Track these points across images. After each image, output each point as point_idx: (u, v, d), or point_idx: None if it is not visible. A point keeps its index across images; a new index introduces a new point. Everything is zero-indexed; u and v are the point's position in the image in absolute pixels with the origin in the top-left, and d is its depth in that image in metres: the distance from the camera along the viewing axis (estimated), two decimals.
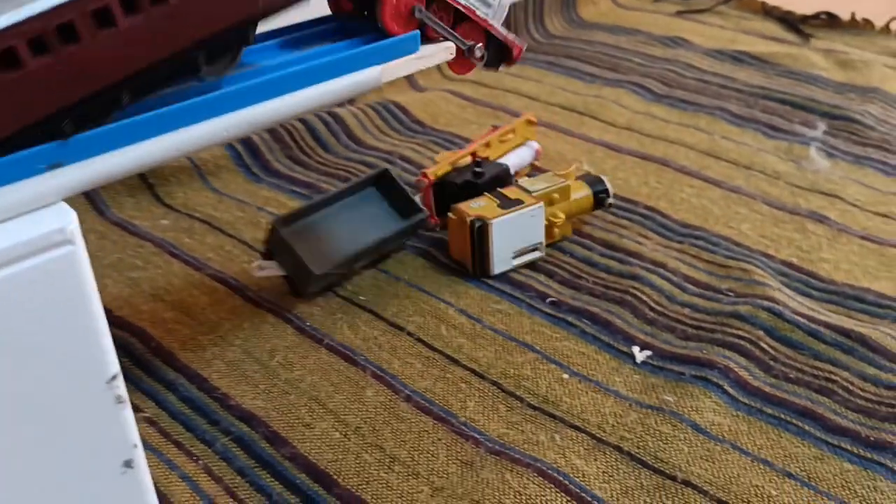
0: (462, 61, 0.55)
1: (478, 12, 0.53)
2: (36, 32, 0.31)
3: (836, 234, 0.73)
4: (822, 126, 0.93)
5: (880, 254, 0.70)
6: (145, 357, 0.59)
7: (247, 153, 0.85)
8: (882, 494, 0.48)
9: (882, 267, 0.69)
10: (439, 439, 0.52)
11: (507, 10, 0.57)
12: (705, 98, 1.00)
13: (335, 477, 0.49)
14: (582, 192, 0.71)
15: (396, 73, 0.44)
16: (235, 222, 0.75)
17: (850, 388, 0.55)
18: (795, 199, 0.79)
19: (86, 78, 0.33)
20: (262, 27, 0.41)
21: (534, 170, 0.83)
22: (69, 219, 0.31)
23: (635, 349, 0.59)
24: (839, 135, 0.91)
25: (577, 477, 0.49)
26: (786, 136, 0.91)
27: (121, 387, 0.34)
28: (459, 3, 0.51)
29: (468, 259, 0.67)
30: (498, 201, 0.66)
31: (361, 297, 0.65)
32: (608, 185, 0.72)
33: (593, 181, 0.72)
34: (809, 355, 0.58)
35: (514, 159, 0.80)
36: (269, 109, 0.39)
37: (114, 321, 0.62)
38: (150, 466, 0.49)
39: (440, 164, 0.73)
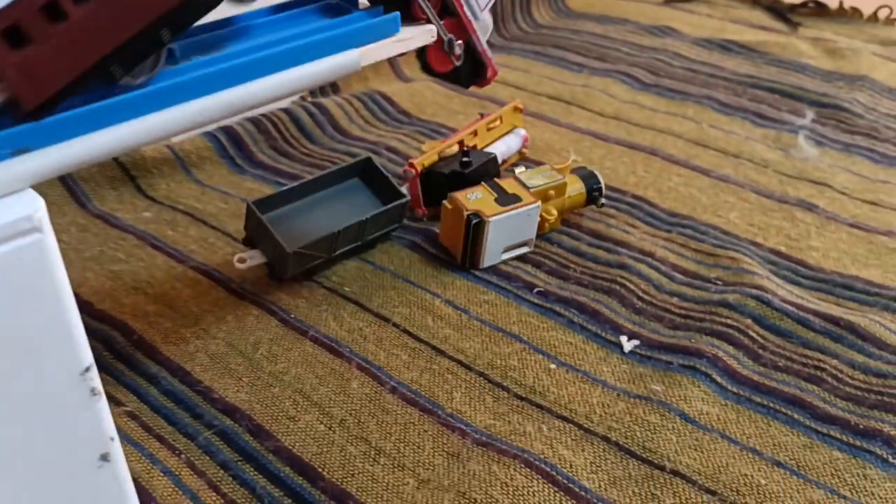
0: (441, 56, 0.54)
1: (467, 11, 0.53)
2: None
3: (825, 222, 0.73)
4: (810, 114, 0.93)
5: (869, 241, 0.70)
6: (127, 350, 0.58)
7: (230, 144, 0.84)
8: (872, 482, 0.48)
9: (871, 254, 0.68)
10: (425, 431, 0.51)
11: (489, 31, 0.58)
12: (693, 87, 1.00)
13: (320, 470, 0.49)
14: (576, 188, 0.71)
15: (376, 55, 0.43)
16: (219, 214, 0.74)
17: (840, 376, 0.55)
18: (784, 187, 0.78)
19: (127, 19, 0.34)
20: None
21: (522, 158, 0.82)
22: (37, 206, 0.30)
23: (623, 339, 0.59)
24: (827, 123, 0.91)
25: (565, 468, 0.49)
26: (774, 125, 0.90)
27: (95, 379, 0.34)
28: None
29: (458, 249, 0.66)
30: (495, 195, 0.66)
31: (346, 289, 0.64)
32: (602, 183, 0.71)
33: (587, 177, 0.72)
34: (798, 343, 0.58)
35: (502, 147, 0.79)
36: (242, 94, 0.38)
37: (95, 314, 0.61)
38: (131, 461, 0.49)
39: (427, 153, 0.72)
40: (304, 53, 0.40)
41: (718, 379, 0.55)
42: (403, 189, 0.70)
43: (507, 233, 0.65)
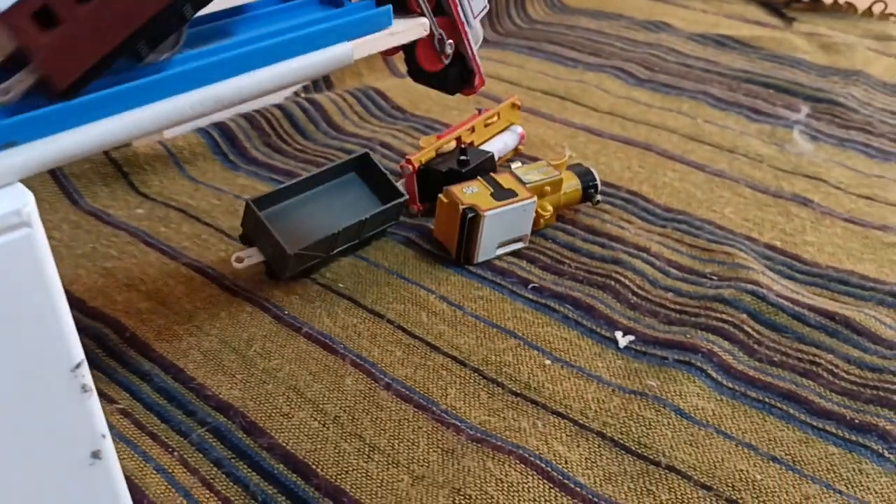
0: (431, 54, 0.54)
1: (460, 12, 0.53)
2: None
3: (820, 216, 0.73)
4: (805, 109, 0.93)
5: (864, 236, 0.70)
6: (119, 347, 0.58)
7: (224, 141, 0.83)
8: (867, 477, 0.47)
9: (866, 249, 0.68)
10: (420, 427, 0.51)
11: (480, 40, 0.58)
12: (688, 82, 1.00)
13: (314, 467, 0.48)
14: (571, 185, 0.70)
15: (369, 49, 0.43)
16: (212, 210, 0.73)
17: (835, 370, 0.55)
18: (779, 182, 0.78)
19: None
20: None
21: (517, 154, 0.82)
22: (26, 200, 0.30)
23: (618, 334, 0.58)
24: (822, 118, 0.91)
25: (560, 463, 0.48)
26: (769, 120, 0.90)
27: (86, 375, 0.33)
28: None
29: (452, 244, 0.66)
30: (491, 189, 0.65)
31: (340, 285, 0.64)
32: (598, 181, 0.71)
33: (583, 173, 0.71)
34: (793, 338, 0.58)
35: (499, 145, 0.79)
36: (233, 87, 0.37)
37: (87, 311, 0.61)
38: (124, 459, 0.49)
39: (424, 150, 0.72)
40: (296, 46, 0.40)
41: (714, 374, 0.55)
42: (399, 185, 0.69)
43: (502, 227, 0.65)
